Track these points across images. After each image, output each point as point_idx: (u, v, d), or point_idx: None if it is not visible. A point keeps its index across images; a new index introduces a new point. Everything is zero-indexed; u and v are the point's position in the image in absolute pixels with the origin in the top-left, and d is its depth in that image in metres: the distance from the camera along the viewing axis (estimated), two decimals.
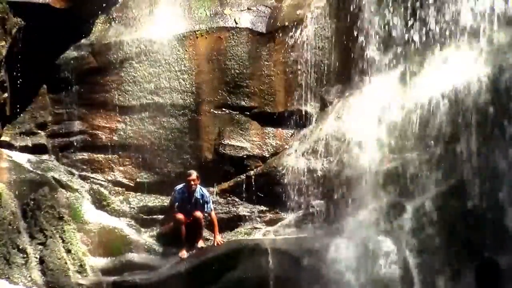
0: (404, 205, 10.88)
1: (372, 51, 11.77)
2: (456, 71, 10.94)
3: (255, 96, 12.56)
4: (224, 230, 12.14)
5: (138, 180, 12.52)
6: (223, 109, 12.58)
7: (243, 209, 12.27)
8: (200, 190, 11.70)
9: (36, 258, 11.13)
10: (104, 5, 12.92)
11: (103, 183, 12.47)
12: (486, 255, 10.11)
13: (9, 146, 12.36)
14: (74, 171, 12.47)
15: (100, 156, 12.59)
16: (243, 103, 12.57)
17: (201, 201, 11.67)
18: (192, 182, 11.63)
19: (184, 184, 11.73)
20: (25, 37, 12.12)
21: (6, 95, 12.05)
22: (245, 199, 12.29)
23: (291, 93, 12.44)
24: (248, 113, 12.56)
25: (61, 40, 12.54)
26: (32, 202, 11.41)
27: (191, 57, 12.65)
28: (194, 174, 11.69)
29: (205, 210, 11.72)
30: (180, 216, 11.58)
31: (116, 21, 12.98)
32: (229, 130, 12.50)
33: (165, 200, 12.40)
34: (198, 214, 11.58)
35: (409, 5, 11.47)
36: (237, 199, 12.32)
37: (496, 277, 9.80)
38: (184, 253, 11.49)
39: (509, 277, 9.96)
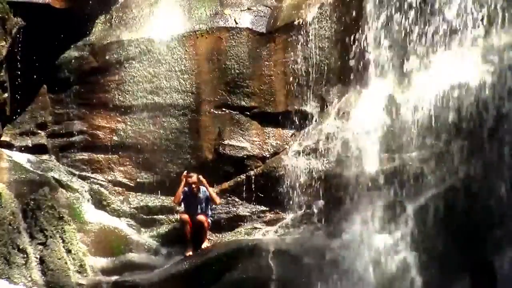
0: (404, 205, 10.88)
1: (372, 51, 11.76)
2: (456, 71, 10.94)
3: (255, 96, 12.56)
4: (224, 230, 12.15)
5: (138, 180, 12.52)
6: (223, 109, 12.58)
7: (243, 209, 12.27)
8: (203, 190, 11.72)
9: (36, 258, 11.13)
10: (104, 5, 12.94)
11: (103, 183, 12.47)
12: (482, 256, 10.11)
13: (9, 146, 12.37)
14: (74, 171, 12.48)
15: (100, 156, 12.60)
16: (243, 103, 12.57)
17: (205, 200, 11.72)
18: (194, 185, 11.66)
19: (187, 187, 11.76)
20: (25, 37, 12.13)
21: (6, 95, 12.06)
22: (245, 199, 12.29)
23: (291, 93, 12.43)
24: (248, 113, 12.56)
25: (61, 40, 12.55)
26: (32, 202, 11.41)
27: (191, 57, 12.66)
28: (194, 176, 11.71)
29: (210, 206, 11.79)
30: (185, 216, 11.60)
31: (116, 21, 12.99)
32: (229, 130, 12.50)
33: (165, 200, 12.40)
34: (201, 218, 11.59)
35: (410, 4, 11.47)
36: (237, 199, 12.32)
37: (492, 279, 9.79)
38: (190, 252, 11.52)
39: (506, 278, 9.96)
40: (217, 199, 11.76)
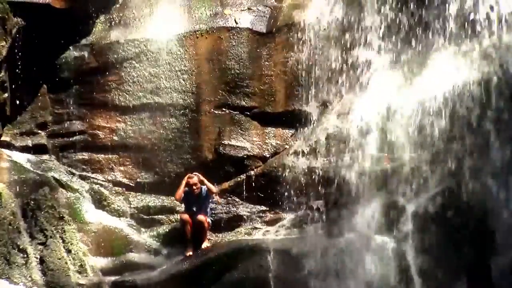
0: (404, 205, 10.88)
1: (372, 51, 11.76)
2: (457, 71, 10.94)
3: (255, 96, 12.56)
4: (224, 230, 12.15)
5: (138, 180, 12.52)
6: (223, 109, 12.58)
7: (243, 209, 12.27)
8: (204, 191, 11.73)
9: (37, 258, 11.12)
10: (104, 5, 12.93)
11: (103, 183, 12.46)
12: (480, 258, 10.11)
13: (9, 146, 12.36)
14: (74, 171, 12.47)
15: (100, 156, 12.59)
16: (243, 103, 12.57)
17: (205, 200, 11.73)
18: (195, 187, 11.67)
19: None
20: (25, 37, 12.13)
21: (6, 95, 12.06)
22: (245, 199, 12.28)
23: (291, 93, 12.43)
24: (248, 113, 12.56)
25: (61, 40, 12.54)
26: (32, 202, 11.40)
27: (191, 57, 12.66)
28: (195, 177, 11.73)
29: (210, 206, 11.83)
30: (186, 216, 11.62)
31: (116, 21, 12.99)
32: (229, 130, 12.50)
33: (165, 200, 12.40)
34: (201, 218, 11.60)
35: (410, 5, 11.47)
36: (237, 199, 12.31)
37: (489, 282, 9.81)
38: (190, 252, 11.53)
39: (502, 282, 9.97)
40: (214, 189, 11.74)
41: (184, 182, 11.73)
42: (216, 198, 11.94)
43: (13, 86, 12.18)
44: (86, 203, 12.20)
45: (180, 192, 11.73)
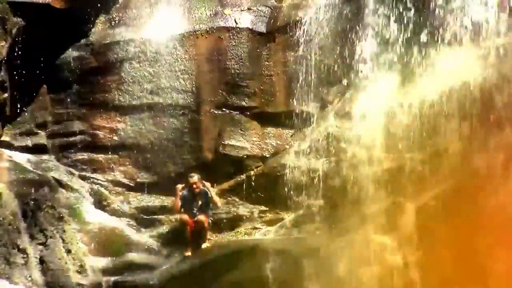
0: (405, 205, 10.87)
1: (372, 51, 11.76)
2: (457, 70, 10.93)
3: (255, 96, 12.56)
4: (224, 230, 12.16)
5: (138, 180, 12.53)
6: (223, 109, 12.59)
7: (243, 209, 12.28)
8: (204, 190, 11.73)
9: (36, 258, 11.13)
10: (104, 5, 12.94)
11: (103, 183, 12.48)
12: (477, 259, 10.11)
13: (9, 146, 12.38)
14: (74, 171, 12.48)
15: (100, 156, 12.60)
16: (243, 103, 12.57)
17: (205, 200, 11.72)
18: (195, 186, 11.67)
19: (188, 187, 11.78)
20: (25, 37, 12.13)
21: (6, 95, 12.06)
22: (245, 199, 12.30)
23: (291, 93, 12.43)
24: (248, 113, 12.56)
25: (61, 40, 12.55)
26: (32, 202, 11.40)
27: (191, 57, 12.66)
28: (195, 177, 11.73)
29: (210, 206, 11.79)
30: (185, 217, 11.62)
31: (116, 21, 12.99)
32: (229, 130, 12.51)
33: (165, 200, 12.40)
34: (201, 218, 11.60)
35: (410, 4, 11.47)
36: (237, 199, 12.32)
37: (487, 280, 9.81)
38: (190, 252, 11.53)
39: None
40: (219, 203, 11.77)
41: (177, 195, 11.70)
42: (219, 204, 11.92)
43: (13, 86, 12.18)
44: (86, 203, 12.21)
45: (177, 206, 11.73)
